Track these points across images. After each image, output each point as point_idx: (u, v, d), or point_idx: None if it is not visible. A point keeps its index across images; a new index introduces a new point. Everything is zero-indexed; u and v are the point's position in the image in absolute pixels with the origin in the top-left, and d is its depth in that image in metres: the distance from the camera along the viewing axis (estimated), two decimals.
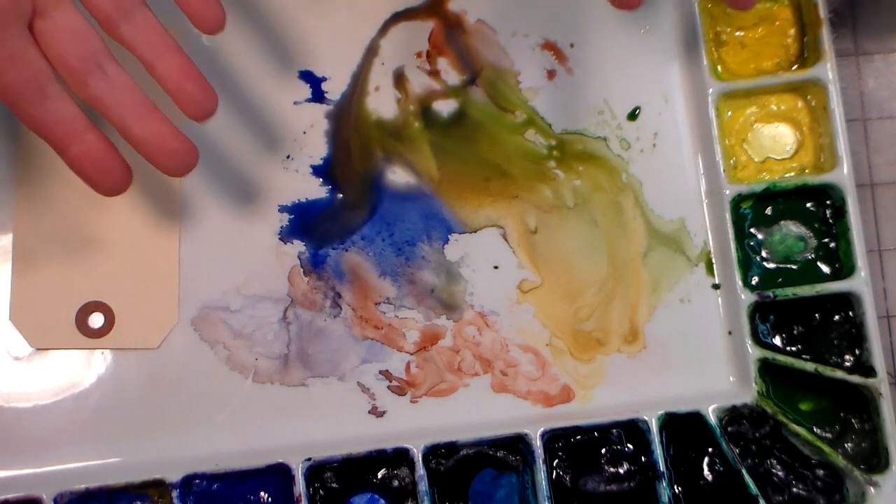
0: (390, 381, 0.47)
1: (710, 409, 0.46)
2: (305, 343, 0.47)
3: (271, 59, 0.49)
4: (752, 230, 0.48)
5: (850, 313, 0.47)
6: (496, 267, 0.48)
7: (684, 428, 0.46)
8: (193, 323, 0.47)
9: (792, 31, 0.48)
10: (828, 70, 0.47)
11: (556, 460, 0.46)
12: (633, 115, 0.49)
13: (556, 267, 0.48)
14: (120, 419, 0.46)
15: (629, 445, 0.47)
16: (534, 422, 0.46)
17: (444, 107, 0.49)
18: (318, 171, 0.48)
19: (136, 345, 0.46)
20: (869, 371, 0.46)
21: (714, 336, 0.48)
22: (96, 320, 0.46)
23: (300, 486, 0.45)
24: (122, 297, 0.46)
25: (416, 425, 0.47)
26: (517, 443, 0.46)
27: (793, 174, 0.48)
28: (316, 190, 0.48)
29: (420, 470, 0.45)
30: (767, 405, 0.46)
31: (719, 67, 0.48)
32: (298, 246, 0.48)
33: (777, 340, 0.47)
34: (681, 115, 0.49)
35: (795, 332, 0.47)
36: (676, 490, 0.46)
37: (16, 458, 0.46)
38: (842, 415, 0.47)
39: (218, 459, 0.45)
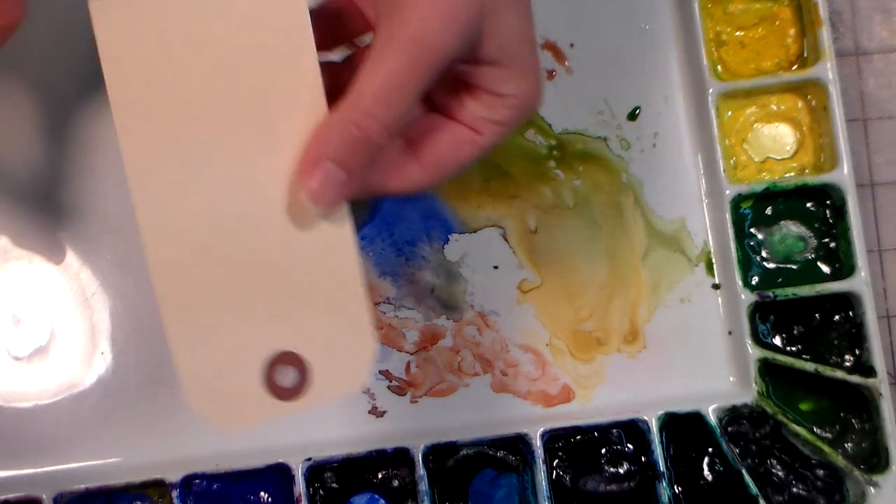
0: (390, 381, 0.47)
1: (710, 409, 0.46)
2: None
3: None
4: (752, 230, 0.48)
5: (850, 313, 0.47)
6: (496, 267, 0.48)
7: (684, 428, 0.46)
8: None
9: (792, 31, 0.48)
10: (828, 70, 0.47)
11: (556, 460, 0.46)
12: (633, 115, 0.49)
13: (556, 267, 0.48)
14: (120, 419, 0.46)
15: (629, 445, 0.47)
16: (534, 422, 0.46)
17: None
18: None
19: (342, 391, 0.34)
20: (869, 371, 0.46)
21: (714, 336, 0.48)
22: (287, 376, 0.33)
23: (300, 486, 0.45)
24: (309, 338, 0.33)
25: (416, 425, 0.47)
26: (517, 443, 0.46)
27: (793, 174, 0.48)
28: None
29: (420, 470, 0.45)
30: (767, 405, 0.46)
31: (719, 67, 0.48)
32: None
33: (777, 340, 0.47)
34: (681, 115, 0.49)
35: (795, 332, 0.47)
36: (676, 490, 0.46)
37: (16, 458, 0.46)
38: (842, 415, 0.47)
39: (218, 459, 0.45)
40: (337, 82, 0.32)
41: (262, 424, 0.33)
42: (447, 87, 0.33)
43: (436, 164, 0.34)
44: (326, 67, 0.33)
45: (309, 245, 0.33)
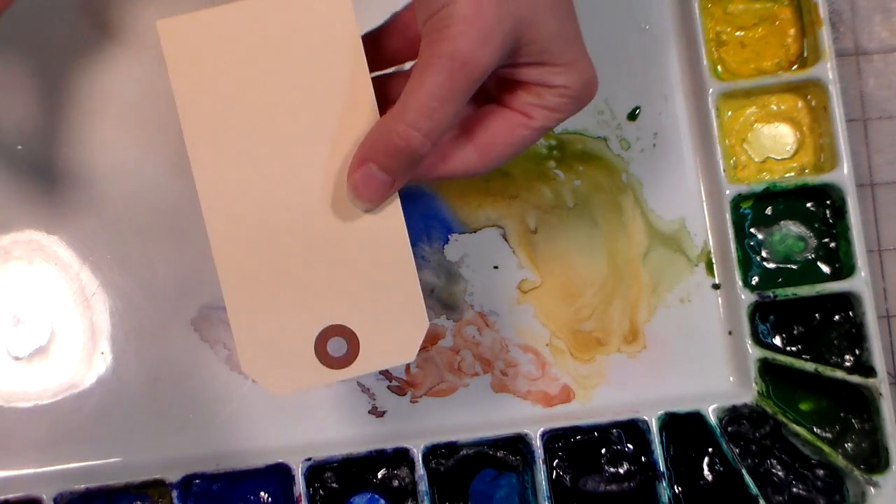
0: (390, 381, 0.47)
1: (710, 409, 0.46)
2: None
3: None
4: (752, 230, 0.48)
5: (850, 313, 0.47)
6: (496, 267, 0.48)
7: (684, 428, 0.46)
8: (193, 323, 0.47)
9: (792, 31, 0.48)
10: (828, 70, 0.47)
11: (556, 460, 0.46)
12: (633, 115, 0.49)
13: (556, 267, 0.48)
14: (120, 419, 0.46)
15: (629, 445, 0.47)
16: (534, 422, 0.46)
17: None
18: None
19: (389, 362, 0.37)
20: (869, 371, 0.46)
21: (714, 336, 0.48)
22: (337, 347, 0.36)
23: (300, 486, 0.45)
24: (360, 314, 0.37)
25: (416, 425, 0.47)
26: (517, 443, 0.46)
27: (793, 174, 0.48)
28: None
29: (420, 470, 0.45)
30: (767, 405, 0.46)
31: (719, 67, 0.48)
32: None
33: (777, 340, 0.47)
34: (681, 115, 0.49)
35: (795, 332, 0.47)
36: (676, 490, 0.46)
37: (16, 458, 0.46)
38: (842, 415, 0.47)
39: (218, 459, 0.45)
40: (396, 92, 0.35)
41: (311, 388, 0.37)
42: (498, 84, 0.35)
43: (489, 147, 0.36)
44: (385, 79, 0.37)
45: (362, 231, 0.36)
